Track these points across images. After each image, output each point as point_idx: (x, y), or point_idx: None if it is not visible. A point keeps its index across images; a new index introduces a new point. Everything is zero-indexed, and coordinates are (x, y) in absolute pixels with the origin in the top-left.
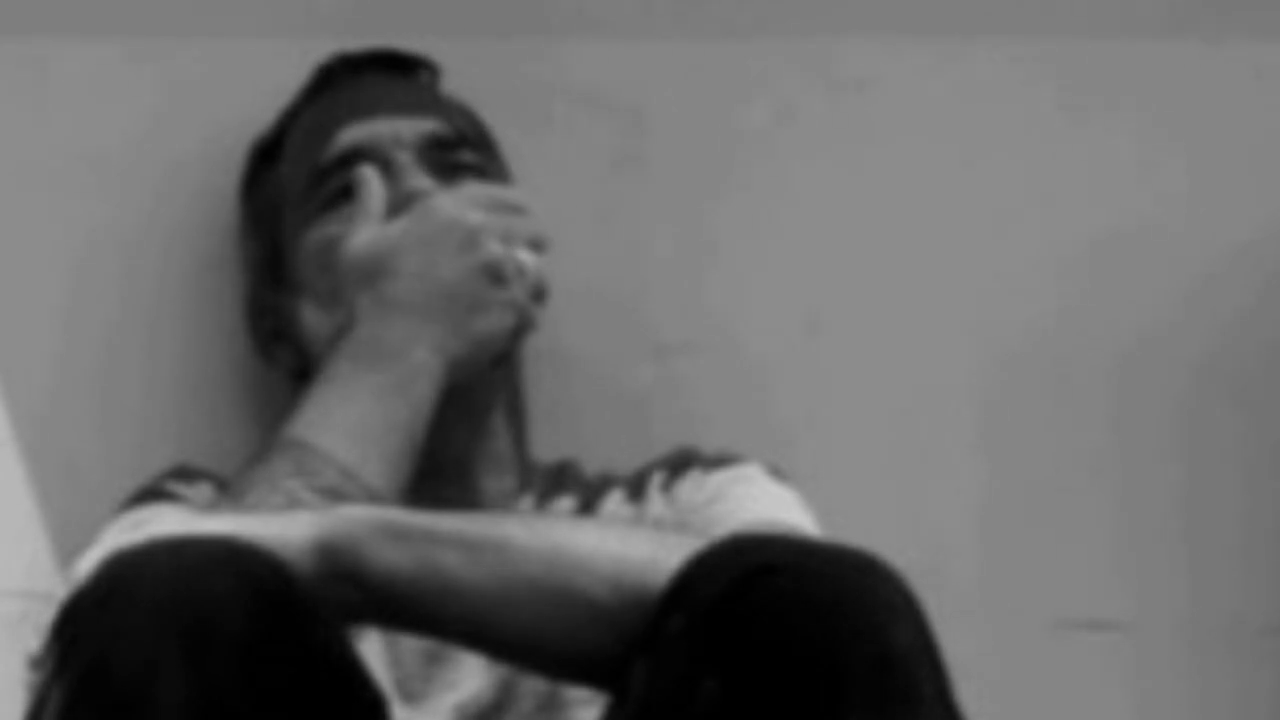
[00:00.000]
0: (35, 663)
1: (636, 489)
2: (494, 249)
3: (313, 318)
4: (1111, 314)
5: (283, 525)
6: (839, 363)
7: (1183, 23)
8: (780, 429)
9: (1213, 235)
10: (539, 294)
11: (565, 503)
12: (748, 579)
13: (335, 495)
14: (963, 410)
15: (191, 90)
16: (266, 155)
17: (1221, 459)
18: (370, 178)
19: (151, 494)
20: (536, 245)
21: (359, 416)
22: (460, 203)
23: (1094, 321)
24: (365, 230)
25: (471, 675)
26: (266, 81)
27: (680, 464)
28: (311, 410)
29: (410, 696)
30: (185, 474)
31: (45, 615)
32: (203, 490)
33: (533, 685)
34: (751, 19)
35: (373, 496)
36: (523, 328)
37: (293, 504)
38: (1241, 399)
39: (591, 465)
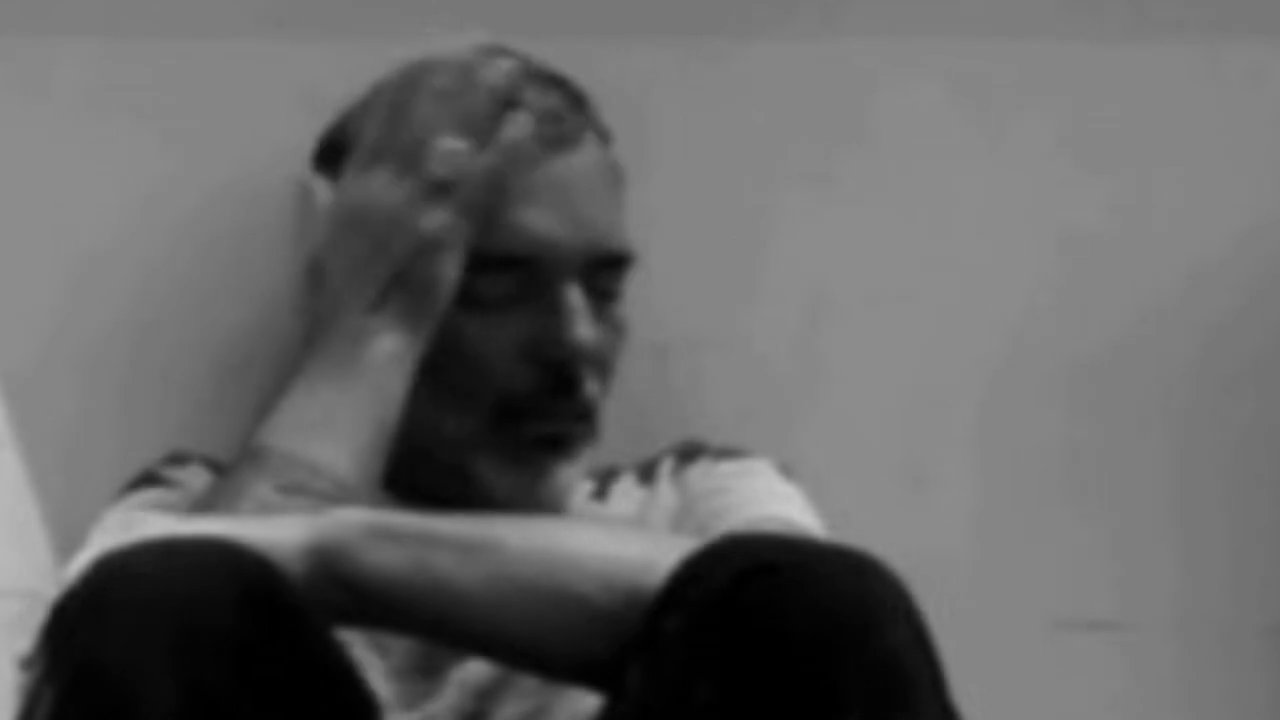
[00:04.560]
0: (26, 664)
1: (647, 474)
2: (418, 219)
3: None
4: (1109, 314)
5: (274, 528)
6: (840, 362)
7: (1181, 23)
8: (781, 428)
9: (1210, 235)
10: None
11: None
12: (743, 579)
13: (302, 492)
14: (961, 410)
15: (192, 90)
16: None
17: (1217, 458)
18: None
19: (146, 480)
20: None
21: (321, 412)
22: (365, 185)
23: (1092, 321)
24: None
25: None
26: (267, 82)
27: (690, 453)
28: (275, 415)
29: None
30: (178, 458)
31: (37, 616)
32: (195, 471)
33: None
34: (752, 19)
35: (345, 489)
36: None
37: (262, 508)
38: (1236, 398)
39: (595, 464)
